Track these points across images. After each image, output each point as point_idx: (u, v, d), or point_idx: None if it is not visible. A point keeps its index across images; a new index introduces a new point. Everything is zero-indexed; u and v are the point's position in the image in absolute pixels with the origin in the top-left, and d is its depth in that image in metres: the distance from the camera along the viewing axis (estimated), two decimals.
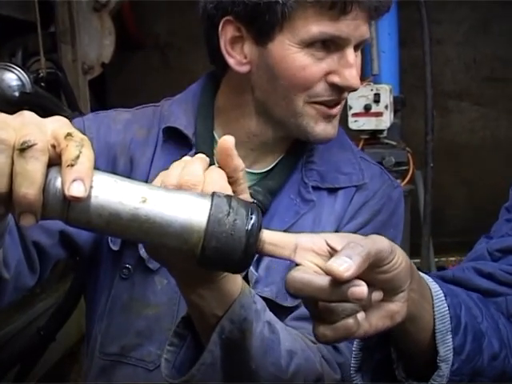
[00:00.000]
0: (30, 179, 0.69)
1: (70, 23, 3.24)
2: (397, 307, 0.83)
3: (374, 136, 3.44)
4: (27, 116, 0.73)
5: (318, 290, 0.75)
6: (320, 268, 0.77)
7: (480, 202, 4.91)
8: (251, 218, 0.77)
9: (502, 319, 1.04)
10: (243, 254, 0.77)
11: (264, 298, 1.19)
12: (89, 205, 0.72)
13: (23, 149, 0.69)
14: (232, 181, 0.84)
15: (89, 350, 1.38)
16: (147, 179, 1.26)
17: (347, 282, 0.73)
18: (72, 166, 0.70)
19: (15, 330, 2.70)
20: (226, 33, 1.22)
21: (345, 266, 0.73)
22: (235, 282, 0.96)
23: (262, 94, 1.25)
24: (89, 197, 0.72)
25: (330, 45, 1.19)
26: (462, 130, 5.41)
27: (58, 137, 0.71)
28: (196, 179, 0.81)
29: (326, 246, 0.79)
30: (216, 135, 1.31)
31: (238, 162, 0.85)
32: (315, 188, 1.30)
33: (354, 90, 1.24)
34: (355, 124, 3.33)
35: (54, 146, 0.71)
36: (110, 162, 1.30)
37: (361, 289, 0.74)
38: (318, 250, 0.79)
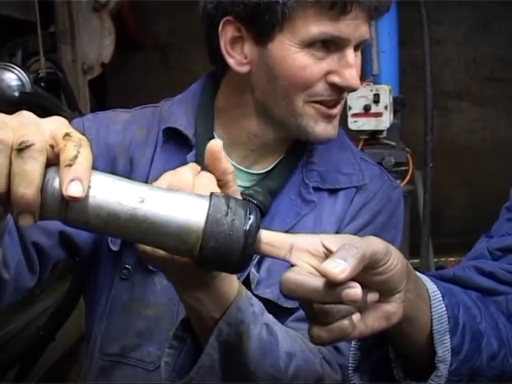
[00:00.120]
0: (28, 179, 0.69)
1: (70, 23, 3.24)
2: (393, 308, 0.83)
3: (373, 136, 3.43)
4: (26, 116, 0.73)
5: (312, 291, 0.75)
6: (315, 269, 0.77)
7: (479, 203, 4.91)
8: (249, 218, 0.77)
9: (501, 318, 1.04)
10: (241, 254, 0.76)
11: (265, 300, 1.19)
12: (87, 205, 0.72)
13: (21, 149, 0.69)
14: (221, 184, 0.84)
15: (88, 350, 1.38)
16: (147, 180, 1.26)
17: (342, 283, 0.73)
18: (70, 166, 0.69)
19: (15, 329, 2.70)
20: (226, 33, 1.22)
21: (339, 268, 0.73)
22: (231, 285, 0.96)
23: (262, 94, 1.25)
24: (87, 197, 0.72)
25: (330, 45, 1.19)
26: (462, 130, 5.41)
27: (57, 137, 0.71)
28: (185, 183, 0.81)
29: (322, 247, 0.78)
30: (216, 136, 1.31)
31: (227, 165, 0.85)
32: (316, 189, 1.30)
33: (354, 90, 1.24)
34: (355, 124, 3.32)
35: (52, 146, 0.71)
36: (109, 163, 1.29)
37: (355, 291, 0.73)
38: (313, 251, 0.79)
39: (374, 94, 3.29)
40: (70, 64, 3.25)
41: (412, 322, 0.89)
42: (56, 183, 0.71)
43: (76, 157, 0.70)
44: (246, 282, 1.22)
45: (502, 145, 5.29)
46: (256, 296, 1.19)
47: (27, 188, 0.69)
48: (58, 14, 3.23)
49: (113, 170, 1.27)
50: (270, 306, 1.18)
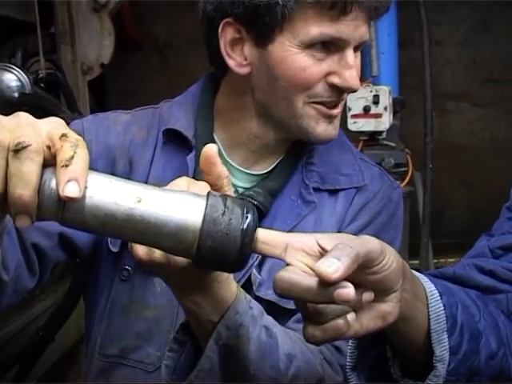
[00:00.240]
0: (25, 180, 0.69)
1: (70, 24, 3.24)
2: (389, 308, 0.83)
3: (373, 137, 3.43)
4: (22, 117, 0.73)
5: (305, 290, 0.75)
6: (310, 268, 0.76)
7: (479, 203, 4.92)
8: (247, 218, 0.76)
9: (501, 317, 1.04)
10: (238, 253, 0.76)
11: (267, 301, 1.19)
12: (83, 205, 0.72)
13: (18, 150, 0.69)
14: (216, 188, 0.85)
15: (88, 351, 1.37)
16: (146, 181, 1.26)
17: (335, 283, 0.73)
18: (66, 166, 0.70)
19: (14, 330, 2.70)
20: (226, 34, 1.22)
21: (333, 267, 0.72)
22: (229, 288, 0.96)
23: (262, 95, 1.25)
24: (83, 197, 0.72)
25: (329, 46, 1.19)
26: (461, 131, 5.41)
27: (53, 138, 0.71)
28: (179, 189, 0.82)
29: (317, 246, 0.78)
30: (216, 137, 1.31)
31: (222, 170, 0.86)
32: (316, 189, 1.30)
33: (354, 91, 1.24)
34: (354, 125, 3.33)
35: (49, 147, 0.71)
36: (109, 164, 1.29)
37: (347, 290, 0.73)
38: (308, 250, 0.78)
39: (374, 95, 3.29)
40: (69, 65, 3.25)
41: (409, 322, 0.89)
42: (53, 184, 0.71)
43: (72, 157, 0.70)
44: (248, 284, 1.22)
45: (502, 145, 5.30)
46: (257, 297, 1.19)
47: (24, 189, 0.69)
48: (58, 15, 3.23)
49: (113, 171, 1.27)
50: (272, 307, 1.18)
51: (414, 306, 0.89)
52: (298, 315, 1.22)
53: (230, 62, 1.23)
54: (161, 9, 5.03)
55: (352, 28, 1.17)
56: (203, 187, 0.84)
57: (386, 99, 3.31)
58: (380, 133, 3.40)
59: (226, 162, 1.30)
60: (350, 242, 0.76)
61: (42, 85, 2.90)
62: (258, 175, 1.31)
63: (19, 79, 2.67)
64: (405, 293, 0.85)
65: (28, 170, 0.69)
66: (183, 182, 0.85)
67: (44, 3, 3.04)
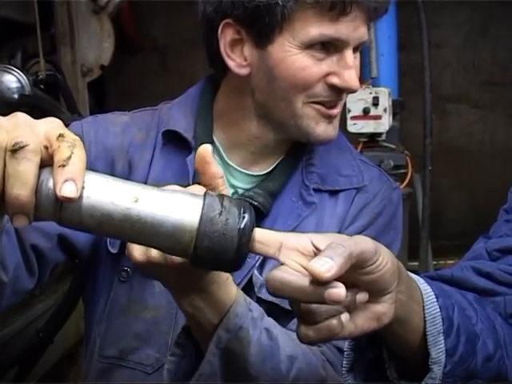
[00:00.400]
0: (22, 180, 0.69)
1: (70, 25, 3.24)
2: (383, 309, 0.82)
3: (372, 139, 3.44)
4: (20, 117, 0.73)
5: (297, 290, 0.75)
6: (304, 268, 0.76)
7: (478, 205, 4.92)
8: (243, 217, 0.76)
9: (498, 320, 1.04)
10: (235, 253, 0.76)
11: (269, 302, 1.19)
12: (80, 205, 0.72)
13: (15, 150, 0.69)
14: (211, 188, 0.85)
15: (87, 352, 1.37)
16: (146, 182, 1.26)
17: (327, 282, 0.73)
18: (63, 166, 0.70)
19: (14, 331, 2.70)
20: (226, 36, 1.22)
21: (326, 266, 0.72)
22: (228, 290, 0.96)
23: (262, 96, 1.25)
24: (80, 197, 0.72)
25: (329, 46, 1.19)
26: (461, 133, 5.41)
27: (51, 138, 0.71)
28: None
29: (311, 245, 0.78)
30: (215, 138, 1.31)
31: (216, 170, 0.86)
32: (316, 190, 1.30)
33: (354, 91, 1.24)
34: (354, 127, 3.33)
35: (46, 147, 0.71)
36: (108, 165, 1.29)
37: (338, 291, 0.73)
38: (302, 250, 0.78)
39: (374, 97, 3.29)
40: (69, 66, 3.25)
41: (404, 324, 0.89)
42: (50, 184, 0.71)
43: (70, 157, 0.70)
44: (250, 285, 1.22)
45: (501, 148, 5.30)
46: (259, 299, 1.19)
47: (21, 189, 0.69)
48: (58, 16, 3.23)
49: (112, 173, 1.26)
50: (274, 308, 1.18)
51: (409, 308, 0.89)
52: None
53: (230, 63, 1.23)
54: (160, 10, 5.03)
55: (351, 28, 1.18)
56: (200, 189, 0.84)
57: (385, 101, 3.31)
58: (379, 134, 3.41)
59: (225, 163, 1.30)
60: (343, 242, 0.76)
61: (41, 86, 2.90)
62: (258, 176, 1.31)
63: (19, 80, 2.67)
64: (400, 294, 0.85)
65: (25, 170, 0.69)
66: (176, 186, 0.85)
67: (44, 4, 3.03)
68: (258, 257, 1.18)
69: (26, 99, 2.67)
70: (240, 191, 1.30)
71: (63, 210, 0.72)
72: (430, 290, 0.93)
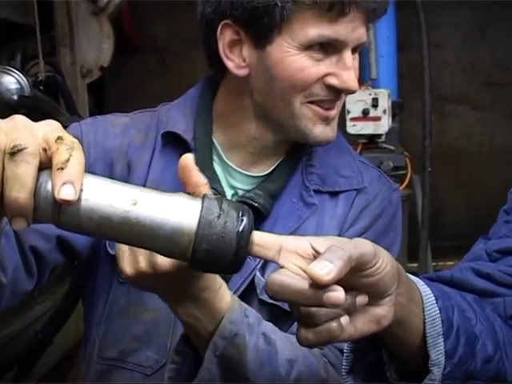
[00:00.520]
0: (21, 183, 0.69)
1: (69, 27, 3.24)
2: (383, 311, 0.82)
3: (372, 140, 3.44)
4: (18, 120, 0.73)
5: (297, 293, 0.75)
6: (303, 271, 0.76)
7: (478, 206, 4.92)
8: (242, 220, 0.76)
9: (498, 321, 1.03)
10: (234, 256, 0.76)
11: (271, 305, 1.19)
12: (79, 208, 0.72)
13: (14, 152, 0.69)
14: (195, 196, 0.84)
15: (86, 353, 1.37)
16: (145, 184, 1.26)
17: (327, 285, 0.73)
18: (62, 169, 0.70)
19: (13, 333, 2.70)
20: (225, 36, 1.22)
21: (326, 269, 0.72)
22: (223, 298, 0.97)
23: (261, 96, 1.25)
24: (79, 200, 0.72)
25: (328, 47, 1.19)
26: (460, 134, 5.42)
27: (49, 140, 0.71)
28: None
29: (311, 248, 0.78)
30: (215, 139, 1.31)
31: (199, 178, 0.85)
32: (316, 191, 1.30)
33: (352, 92, 1.24)
34: (353, 128, 3.33)
35: (45, 150, 0.71)
36: (107, 167, 1.29)
37: (337, 294, 0.73)
38: (302, 253, 0.78)
39: (373, 98, 3.29)
40: (68, 67, 3.25)
41: (404, 326, 0.89)
42: (49, 186, 0.71)
43: (68, 160, 0.70)
44: (252, 287, 1.22)
45: (500, 148, 5.30)
46: (261, 301, 1.19)
47: (20, 192, 0.69)
48: (57, 18, 3.24)
49: (111, 174, 1.27)
50: (276, 310, 1.18)
51: (409, 310, 0.89)
52: None
53: (229, 64, 1.23)
54: (159, 11, 5.04)
55: (350, 29, 1.18)
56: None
57: (384, 102, 3.31)
58: (379, 136, 3.41)
59: (225, 164, 1.31)
60: (342, 245, 0.76)
61: (41, 87, 2.91)
62: (258, 177, 1.31)
63: (18, 82, 2.67)
64: (400, 296, 0.85)
65: (24, 173, 0.69)
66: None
67: (43, 6, 3.04)
68: (259, 259, 1.18)
69: (25, 100, 2.67)
70: (240, 192, 1.30)
71: (62, 212, 0.72)
72: (430, 291, 0.93)
